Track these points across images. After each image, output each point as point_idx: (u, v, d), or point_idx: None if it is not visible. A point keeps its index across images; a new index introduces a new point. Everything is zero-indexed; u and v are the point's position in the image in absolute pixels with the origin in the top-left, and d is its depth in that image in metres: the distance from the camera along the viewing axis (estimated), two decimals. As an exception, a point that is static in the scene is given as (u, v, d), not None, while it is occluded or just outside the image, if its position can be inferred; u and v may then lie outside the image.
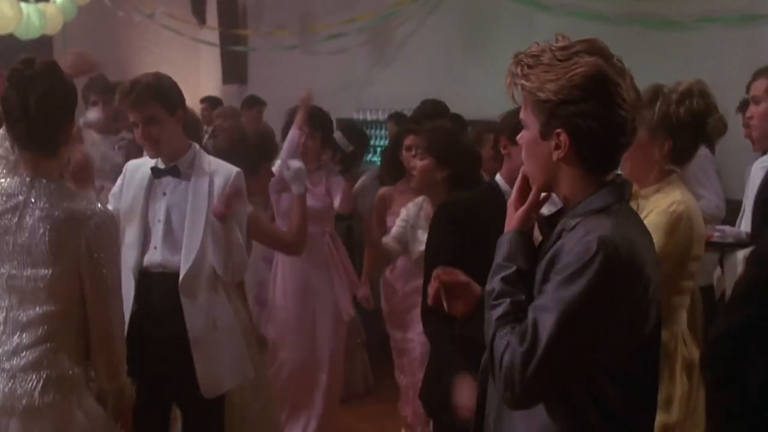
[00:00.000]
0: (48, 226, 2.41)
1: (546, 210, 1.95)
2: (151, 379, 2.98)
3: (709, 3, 5.61)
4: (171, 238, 3.13)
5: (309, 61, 8.91)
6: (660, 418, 2.17)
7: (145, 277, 3.14)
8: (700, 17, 5.60)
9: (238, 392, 3.45)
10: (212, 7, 10.00)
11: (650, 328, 1.78)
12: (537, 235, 1.92)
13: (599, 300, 1.68)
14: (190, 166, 3.17)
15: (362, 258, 5.09)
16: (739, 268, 3.10)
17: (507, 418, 1.85)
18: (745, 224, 3.63)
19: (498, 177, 3.03)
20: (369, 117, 7.92)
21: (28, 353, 2.43)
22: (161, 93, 3.09)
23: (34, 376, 2.42)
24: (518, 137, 1.89)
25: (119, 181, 3.30)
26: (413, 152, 4.17)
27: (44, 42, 7.78)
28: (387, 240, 4.22)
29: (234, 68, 9.99)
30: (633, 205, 2.07)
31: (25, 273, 2.43)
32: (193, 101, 3.19)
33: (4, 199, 2.48)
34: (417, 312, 3.25)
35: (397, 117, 6.09)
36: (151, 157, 3.23)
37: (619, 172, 1.87)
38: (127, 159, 6.04)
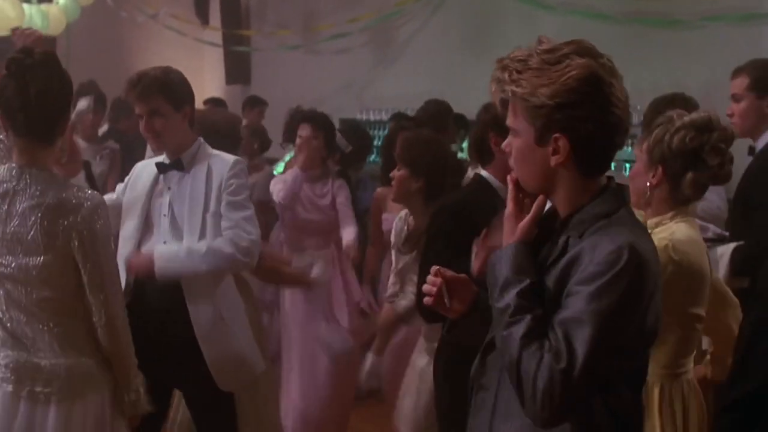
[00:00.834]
0: (39, 214, 2.40)
1: None
2: (154, 371, 2.94)
3: (711, 1, 5.60)
4: (177, 231, 3.11)
5: (312, 61, 8.92)
6: None
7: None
8: (702, 16, 5.57)
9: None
10: (215, 8, 10.02)
11: (655, 334, 1.78)
12: None
13: (631, 309, 1.66)
14: (192, 159, 3.17)
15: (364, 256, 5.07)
16: (720, 264, 3.08)
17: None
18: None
19: (484, 172, 3.00)
20: (372, 117, 7.93)
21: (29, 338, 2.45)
22: (167, 87, 3.08)
23: (39, 363, 2.45)
24: (504, 145, 1.83)
25: (127, 178, 3.31)
26: None
27: (47, 43, 7.79)
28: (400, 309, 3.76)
29: (237, 68, 10.00)
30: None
31: (17, 261, 2.42)
32: (196, 102, 3.19)
33: None
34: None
35: (399, 117, 6.01)
36: (154, 150, 3.23)
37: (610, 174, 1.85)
38: (110, 169, 6.09)
